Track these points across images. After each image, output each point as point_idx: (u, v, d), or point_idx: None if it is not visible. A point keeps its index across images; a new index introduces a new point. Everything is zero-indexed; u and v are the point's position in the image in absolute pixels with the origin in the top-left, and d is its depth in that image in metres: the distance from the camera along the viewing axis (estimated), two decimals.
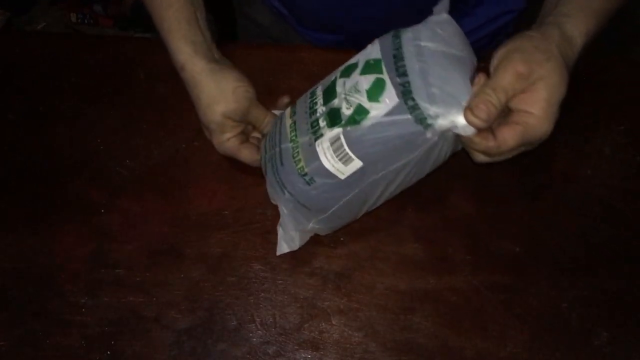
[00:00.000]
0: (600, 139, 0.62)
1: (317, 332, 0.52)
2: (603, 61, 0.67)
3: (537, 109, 0.42)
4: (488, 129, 0.43)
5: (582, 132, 0.62)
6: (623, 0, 0.50)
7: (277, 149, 0.52)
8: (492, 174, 0.59)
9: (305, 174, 0.49)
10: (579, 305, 0.52)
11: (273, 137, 0.54)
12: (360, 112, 0.46)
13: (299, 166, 0.49)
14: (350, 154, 0.47)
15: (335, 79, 0.50)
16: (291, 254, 0.55)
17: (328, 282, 0.54)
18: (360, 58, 0.49)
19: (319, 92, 0.51)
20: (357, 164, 0.47)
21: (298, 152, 0.50)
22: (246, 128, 0.60)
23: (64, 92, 0.67)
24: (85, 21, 1.66)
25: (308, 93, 0.53)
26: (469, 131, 0.43)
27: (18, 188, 0.60)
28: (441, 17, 0.49)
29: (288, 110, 0.54)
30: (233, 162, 0.61)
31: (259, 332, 0.52)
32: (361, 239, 0.56)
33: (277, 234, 0.55)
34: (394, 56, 0.46)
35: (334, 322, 0.52)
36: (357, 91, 0.47)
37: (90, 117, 0.65)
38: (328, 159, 0.48)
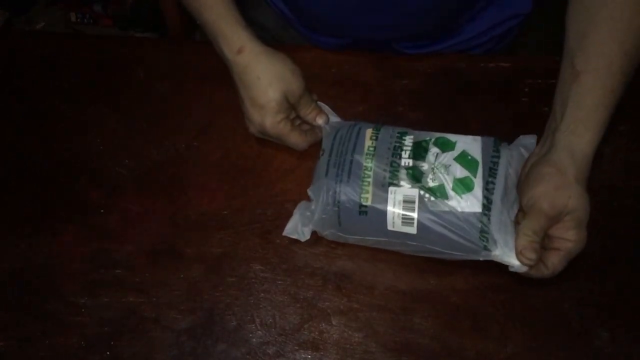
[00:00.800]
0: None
1: (317, 333, 0.52)
2: None
3: (571, 235, 0.48)
4: (539, 261, 0.49)
5: None
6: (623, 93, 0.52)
7: (349, 158, 0.53)
8: None
9: (365, 206, 0.51)
10: (579, 305, 0.52)
11: (345, 142, 0.54)
12: (442, 192, 0.50)
13: (363, 195, 0.51)
14: (415, 219, 0.50)
15: (429, 142, 0.53)
16: (291, 254, 0.55)
17: (328, 282, 0.54)
18: (459, 142, 0.53)
19: (409, 141, 0.53)
20: (411, 229, 0.50)
21: (369, 181, 0.51)
22: (291, 114, 0.60)
23: (64, 92, 0.67)
24: (85, 21, 1.66)
25: (396, 129, 0.55)
26: (522, 269, 0.50)
27: (18, 188, 0.60)
28: (528, 139, 0.55)
29: (370, 130, 0.54)
30: (233, 162, 0.61)
31: (259, 332, 0.52)
32: None
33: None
34: (490, 169, 0.51)
35: (334, 323, 0.52)
36: (448, 173, 0.51)
37: (90, 117, 0.65)
38: (393, 210, 0.50)
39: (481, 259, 0.50)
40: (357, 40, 0.70)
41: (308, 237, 0.55)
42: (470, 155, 0.52)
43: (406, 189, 0.50)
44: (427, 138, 0.53)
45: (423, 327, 0.51)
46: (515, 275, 0.54)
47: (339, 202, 0.52)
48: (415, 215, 0.50)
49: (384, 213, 0.50)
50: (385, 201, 0.50)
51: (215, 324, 0.52)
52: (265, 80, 0.57)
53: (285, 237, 0.56)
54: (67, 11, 1.66)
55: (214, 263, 0.55)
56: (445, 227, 0.50)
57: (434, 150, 0.52)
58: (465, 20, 0.69)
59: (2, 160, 0.62)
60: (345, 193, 0.51)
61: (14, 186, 0.60)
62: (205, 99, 0.65)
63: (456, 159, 0.52)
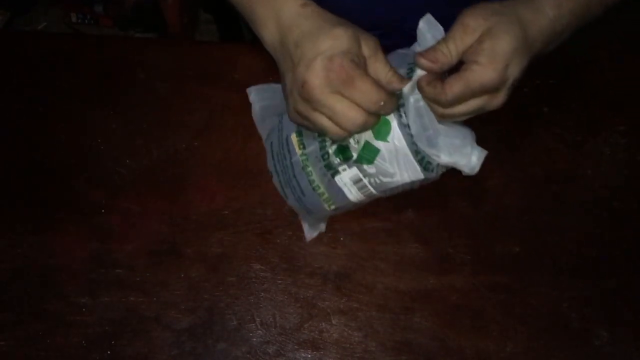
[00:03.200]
0: (600, 139, 0.62)
1: (317, 332, 0.52)
2: (603, 61, 0.67)
3: (481, 57, 0.44)
4: (437, 79, 0.45)
5: (582, 132, 0.62)
6: None
7: (292, 176, 0.53)
8: (492, 175, 0.59)
9: (334, 208, 0.52)
10: (579, 305, 0.52)
11: (281, 159, 0.54)
12: (370, 149, 0.48)
13: (326, 202, 0.52)
14: (373, 191, 0.50)
15: None
16: (291, 254, 0.55)
17: (328, 282, 0.54)
18: None
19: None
20: (375, 194, 0.50)
21: (319, 186, 0.51)
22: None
23: (64, 92, 0.67)
24: (86, 21, 1.66)
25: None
26: (469, 172, 0.47)
27: (18, 188, 0.60)
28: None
29: (294, 137, 0.52)
30: (233, 162, 0.61)
31: (259, 332, 0.52)
32: (361, 239, 0.56)
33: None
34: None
35: (334, 322, 0.52)
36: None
37: (90, 117, 0.65)
38: (353, 194, 0.50)
39: (439, 173, 0.49)
40: None
41: (324, 229, 0.57)
42: None
43: (347, 172, 0.49)
44: None
45: (423, 327, 0.52)
46: (515, 275, 0.54)
47: (311, 212, 0.53)
48: (370, 189, 0.49)
49: (350, 202, 0.51)
50: (344, 194, 0.50)
51: (216, 323, 0.52)
52: (336, 21, 0.48)
53: (285, 236, 0.56)
54: (68, 12, 1.66)
55: (214, 263, 0.55)
56: (398, 184, 0.48)
57: None
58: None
59: (2, 160, 0.62)
60: (311, 205, 0.52)
61: (14, 186, 0.60)
62: (205, 99, 0.65)
63: None
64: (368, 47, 0.47)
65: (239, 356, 0.51)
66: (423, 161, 0.47)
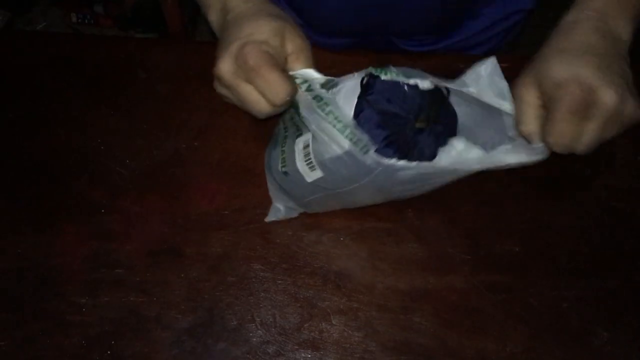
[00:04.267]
0: None
1: (317, 332, 0.52)
2: None
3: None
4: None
5: None
6: None
7: (280, 128, 0.53)
8: (492, 174, 0.59)
9: (285, 169, 0.51)
10: (579, 305, 0.52)
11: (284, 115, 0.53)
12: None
13: (281, 158, 0.51)
14: (314, 162, 0.48)
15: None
16: (291, 254, 0.55)
17: (328, 282, 0.54)
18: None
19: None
20: (318, 173, 0.48)
21: (285, 143, 0.51)
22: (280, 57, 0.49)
23: (64, 92, 0.67)
24: (86, 21, 1.66)
25: None
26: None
27: (18, 188, 0.60)
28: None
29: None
30: (233, 162, 0.61)
31: (259, 332, 0.52)
32: (361, 239, 0.56)
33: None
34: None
35: (334, 322, 0.52)
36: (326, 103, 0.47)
37: (90, 117, 0.65)
38: (299, 161, 0.49)
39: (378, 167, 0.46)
40: (359, 39, 0.70)
41: (288, 216, 0.56)
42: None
43: (304, 136, 0.48)
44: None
45: (423, 327, 0.52)
46: (515, 275, 0.54)
47: (272, 173, 0.53)
48: (312, 157, 0.47)
49: (296, 167, 0.49)
50: (294, 157, 0.49)
51: (216, 323, 0.52)
52: (271, 12, 0.48)
53: (285, 236, 0.56)
54: (68, 12, 1.67)
55: (214, 263, 0.55)
56: (337, 161, 0.46)
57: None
58: (467, 18, 0.69)
59: (3, 160, 0.62)
60: (273, 162, 0.52)
61: (14, 186, 0.60)
62: (205, 99, 0.65)
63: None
64: (293, 44, 0.47)
65: (238, 356, 0.51)
66: (352, 139, 0.45)
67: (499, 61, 0.50)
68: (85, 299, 0.53)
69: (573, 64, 0.45)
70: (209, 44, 0.60)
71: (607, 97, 0.44)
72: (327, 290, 0.54)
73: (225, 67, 0.46)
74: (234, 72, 0.46)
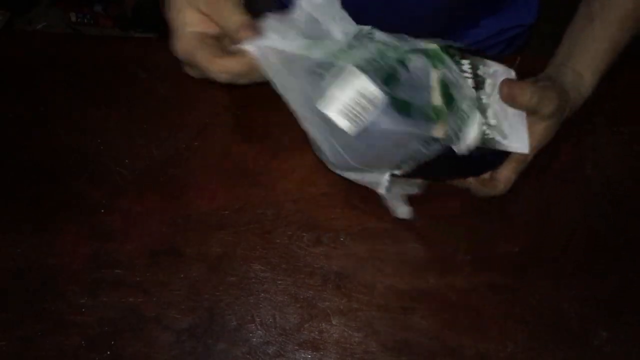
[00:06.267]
0: (600, 138, 0.62)
1: (317, 332, 0.52)
2: None
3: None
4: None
5: (582, 132, 0.62)
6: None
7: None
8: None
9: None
10: (579, 305, 0.52)
11: None
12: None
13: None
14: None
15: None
16: (291, 254, 0.55)
17: (328, 282, 0.54)
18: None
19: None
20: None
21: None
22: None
23: (64, 92, 0.67)
24: (86, 21, 1.66)
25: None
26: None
27: (18, 188, 0.60)
28: None
29: None
30: (233, 162, 0.61)
31: (259, 332, 0.52)
32: (361, 238, 0.56)
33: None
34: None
35: (334, 322, 0.52)
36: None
37: (90, 117, 0.65)
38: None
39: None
40: None
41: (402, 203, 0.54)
42: None
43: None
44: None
45: (423, 327, 0.52)
46: (515, 275, 0.54)
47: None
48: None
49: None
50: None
51: (216, 323, 0.52)
52: None
53: (285, 236, 0.56)
54: (68, 11, 1.67)
55: (214, 263, 0.55)
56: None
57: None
58: (465, 28, 0.69)
59: (3, 160, 0.62)
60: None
61: (14, 186, 0.60)
62: (205, 99, 0.65)
63: None
64: (221, 18, 0.43)
65: (238, 356, 0.51)
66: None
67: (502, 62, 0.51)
68: (85, 299, 0.53)
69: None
70: None
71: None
72: (327, 291, 0.54)
73: (178, 53, 0.46)
74: (181, 58, 0.46)
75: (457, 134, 0.45)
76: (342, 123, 0.42)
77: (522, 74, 0.52)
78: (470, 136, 0.46)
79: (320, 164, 0.49)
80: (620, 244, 0.56)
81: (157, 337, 0.51)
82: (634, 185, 0.59)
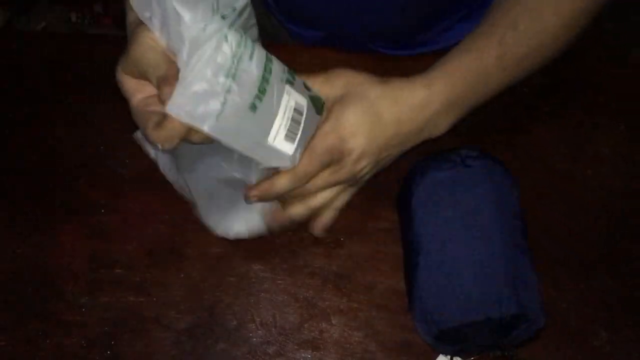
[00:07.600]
0: (600, 139, 0.62)
1: (317, 332, 0.52)
2: (603, 61, 0.67)
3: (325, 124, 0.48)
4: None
5: (582, 132, 0.62)
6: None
7: None
8: None
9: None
10: (579, 305, 0.52)
11: None
12: None
13: None
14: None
15: None
16: (291, 254, 0.55)
17: (328, 282, 0.54)
18: None
19: None
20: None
21: None
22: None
23: (64, 92, 0.67)
24: (86, 21, 1.66)
25: None
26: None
27: (18, 188, 0.60)
28: None
29: None
30: None
31: (259, 332, 0.52)
32: (361, 239, 0.56)
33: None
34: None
35: (334, 322, 0.52)
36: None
37: (90, 117, 0.65)
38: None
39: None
40: (334, 32, 0.69)
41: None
42: None
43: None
44: None
45: None
46: None
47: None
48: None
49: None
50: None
51: (216, 323, 0.52)
52: (131, 40, 0.47)
53: (285, 236, 0.56)
54: (68, 11, 1.66)
55: (214, 263, 0.55)
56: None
57: None
58: (439, 32, 0.69)
59: (2, 160, 0.62)
60: None
61: (14, 186, 0.60)
62: None
63: None
64: (136, 61, 0.45)
65: (238, 356, 0.51)
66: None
67: None
68: (85, 299, 0.53)
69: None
70: None
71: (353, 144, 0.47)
72: (327, 290, 0.54)
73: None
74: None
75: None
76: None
77: None
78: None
79: None
80: (621, 244, 0.56)
81: (157, 337, 0.51)
82: (634, 185, 0.59)
